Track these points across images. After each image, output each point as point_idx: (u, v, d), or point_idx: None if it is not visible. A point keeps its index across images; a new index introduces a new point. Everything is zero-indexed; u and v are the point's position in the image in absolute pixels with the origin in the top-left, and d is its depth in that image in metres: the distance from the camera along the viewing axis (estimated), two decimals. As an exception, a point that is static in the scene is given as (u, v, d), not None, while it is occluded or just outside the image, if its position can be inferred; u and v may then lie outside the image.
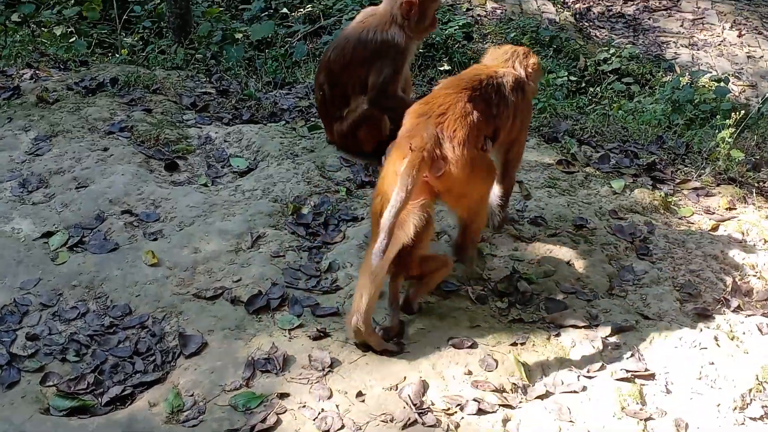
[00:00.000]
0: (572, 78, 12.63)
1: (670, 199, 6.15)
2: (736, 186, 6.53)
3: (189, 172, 6.10)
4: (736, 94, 13.17)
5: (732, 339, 4.86)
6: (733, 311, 5.10)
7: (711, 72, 13.17)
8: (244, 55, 9.26)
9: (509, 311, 5.01)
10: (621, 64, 12.95)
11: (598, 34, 14.38)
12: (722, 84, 12.25)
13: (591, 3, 15.15)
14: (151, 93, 7.04)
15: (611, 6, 15.15)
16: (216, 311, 4.86)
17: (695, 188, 6.40)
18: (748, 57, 14.13)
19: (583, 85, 12.83)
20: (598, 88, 12.61)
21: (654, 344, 4.78)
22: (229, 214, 5.58)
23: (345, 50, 5.98)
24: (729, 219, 5.96)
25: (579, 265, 5.30)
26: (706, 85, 12.13)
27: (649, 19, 14.88)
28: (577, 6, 14.97)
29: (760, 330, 4.93)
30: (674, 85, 11.45)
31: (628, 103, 11.62)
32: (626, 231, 5.64)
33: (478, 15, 13.82)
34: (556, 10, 14.42)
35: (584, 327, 4.87)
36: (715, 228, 5.85)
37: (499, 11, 14.01)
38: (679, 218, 5.97)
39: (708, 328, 4.93)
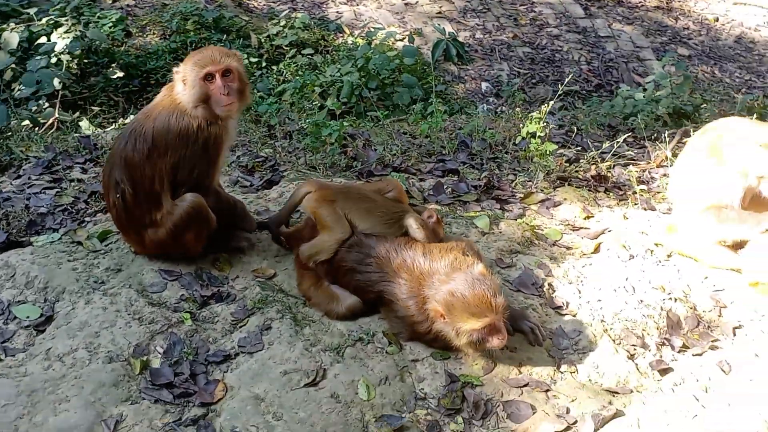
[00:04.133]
0: (252, 59, 11.56)
1: (532, 223, 5.48)
2: (572, 185, 6.04)
3: (-39, 344, 4.32)
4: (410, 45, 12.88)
5: (706, 391, 4.35)
6: (679, 351, 4.60)
7: (380, 27, 12.74)
8: None
9: (470, 432, 4.08)
10: (296, 36, 12.05)
11: (256, 4, 13.30)
12: (408, 43, 11.93)
13: (237, -30, 13.97)
14: None
15: (259, -29, 14.09)
16: None
17: (541, 201, 5.81)
18: (406, 4, 13.89)
19: (264, 65, 11.80)
20: (281, 66, 11.68)
21: (643, 426, 4.13)
22: (61, 400, 4.00)
23: (144, 137, 4.52)
24: (601, 233, 5.43)
25: (508, 343, 4.44)
26: (390, 46, 11.74)
27: (301, -21, 14.05)
28: (222, -23, 13.70)
29: (723, 370, 4.48)
30: (364, 52, 10.86)
31: (318, 76, 10.82)
32: (528, 283, 4.89)
33: (127, 6, 12.11)
34: (207, -15, 13.09)
35: (564, 431, 4.09)
36: (597, 249, 5.28)
37: (146, -3, 12.42)
38: (554, 245, 5.32)
39: (677, 385, 4.39)
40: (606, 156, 6.54)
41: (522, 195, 5.84)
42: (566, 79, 7.85)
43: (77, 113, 9.45)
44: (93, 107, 9.77)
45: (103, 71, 10.36)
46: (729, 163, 5.07)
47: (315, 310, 4.60)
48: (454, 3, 14.03)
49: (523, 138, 6.50)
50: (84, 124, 8.89)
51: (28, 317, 4.48)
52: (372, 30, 12.16)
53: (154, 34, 11.74)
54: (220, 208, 4.72)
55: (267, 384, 4.16)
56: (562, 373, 4.40)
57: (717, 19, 14.99)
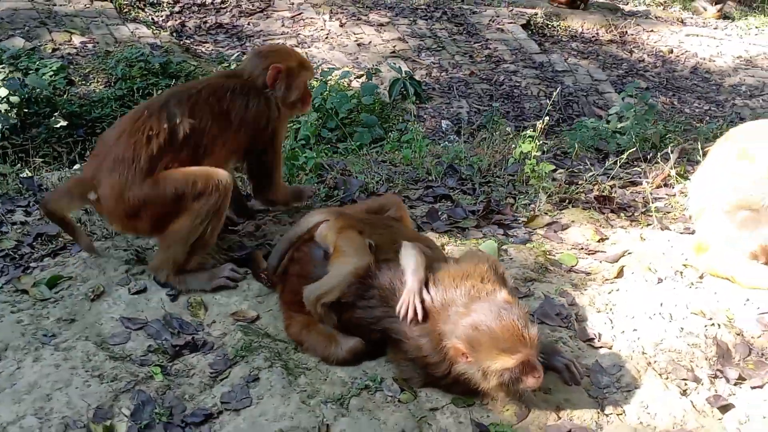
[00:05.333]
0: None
1: (542, 248, 4.85)
2: (576, 206, 5.44)
3: None
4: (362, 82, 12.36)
5: (778, 429, 3.71)
6: (735, 384, 3.96)
7: (334, 67, 12.18)
8: None
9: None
10: (248, 78, 11.38)
11: (203, 49, 12.65)
12: (367, 80, 11.46)
13: (183, 18, 13.30)
14: None
15: (204, 17, 13.45)
16: None
17: (548, 224, 5.19)
18: (359, 45, 13.36)
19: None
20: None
21: (713, 474, 3.47)
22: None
23: (220, 97, 4.37)
24: (621, 256, 4.81)
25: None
26: (346, 86, 11.26)
27: (248, 24, 13.45)
28: (169, 24, 13.04)
29: (791, 404, 3.84)
30: (320, 91, 10.28)
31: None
32: (552, 313, 4.24)
33: (69, 54, 11.37)
34: (152, 32, 12.40)
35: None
36: (620, 273, 4.66)
37: (90, 45, 11.67)
38: (570, 271, 4.69)
39: (742, 424, 3.76)
40: (602, 177, 5.96)
41: (525, 219, 5.22)
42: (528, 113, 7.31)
43: (18, 166, 8.67)
44: (35, 159, 8.99)
45: (45, 121, 9.60)
46: (763, 163, 4.49)
47: (309, 356, 3.88)
48: (407, 42, 13.55)
49: (516, 160, 5.90)
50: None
51: (-38, 382, 3.69)
52: (326, 70, 11.59)
53: (98, 82, 11.02)
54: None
55: (260, 447, 3.42)
56: (607, 416, 3.73)
57: (671, 51, 14.79)
